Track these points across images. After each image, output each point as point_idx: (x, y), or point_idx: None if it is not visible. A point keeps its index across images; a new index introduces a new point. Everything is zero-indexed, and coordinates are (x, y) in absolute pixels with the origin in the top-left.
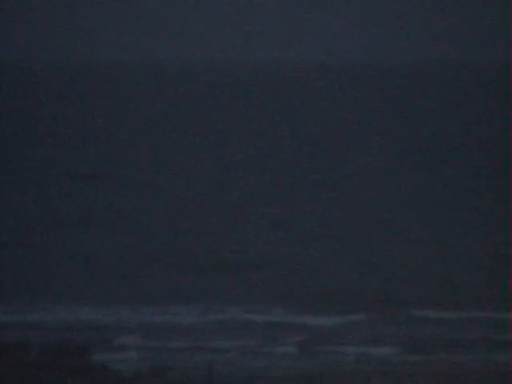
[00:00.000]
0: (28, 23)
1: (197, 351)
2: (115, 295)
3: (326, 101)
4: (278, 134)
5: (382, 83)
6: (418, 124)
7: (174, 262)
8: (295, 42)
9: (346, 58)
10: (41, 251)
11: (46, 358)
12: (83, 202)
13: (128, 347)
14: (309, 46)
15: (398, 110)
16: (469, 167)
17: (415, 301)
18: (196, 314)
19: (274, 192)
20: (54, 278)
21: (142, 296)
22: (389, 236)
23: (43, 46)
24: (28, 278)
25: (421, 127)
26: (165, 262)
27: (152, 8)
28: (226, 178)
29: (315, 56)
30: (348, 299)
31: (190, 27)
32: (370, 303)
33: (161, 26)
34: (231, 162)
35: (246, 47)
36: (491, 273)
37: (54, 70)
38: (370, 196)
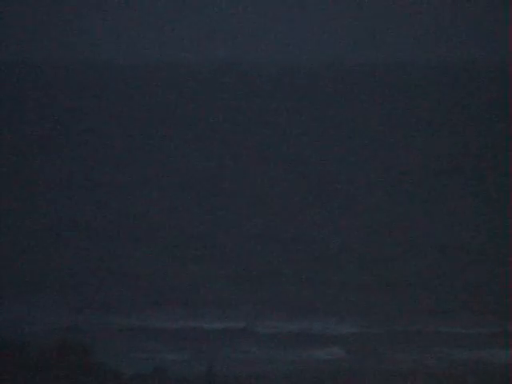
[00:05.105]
0: (28, 23)
1: (195, 353)
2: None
3: (329, 102)
4: (274, 135)
5: (381, 83)
6: (418, 125)
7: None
8: (292, 42)
9: (346, 57)
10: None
11: (46, 357)
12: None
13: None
14: (306, 46)
15: (398, 110)
16: (469, 168)
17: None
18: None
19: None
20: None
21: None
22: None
23: (43, 45)
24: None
25: (422, 128)
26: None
27: (152, 8)
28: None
29: (313, 56)
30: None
31: (188, 27)
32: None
33: (159, 26)
34: (230, 163)
35: (243, 48)
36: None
37: (54, 70)
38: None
